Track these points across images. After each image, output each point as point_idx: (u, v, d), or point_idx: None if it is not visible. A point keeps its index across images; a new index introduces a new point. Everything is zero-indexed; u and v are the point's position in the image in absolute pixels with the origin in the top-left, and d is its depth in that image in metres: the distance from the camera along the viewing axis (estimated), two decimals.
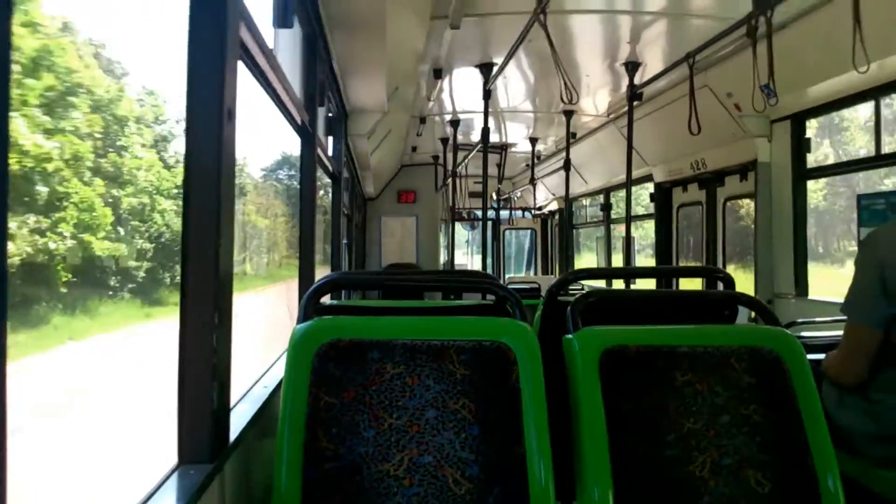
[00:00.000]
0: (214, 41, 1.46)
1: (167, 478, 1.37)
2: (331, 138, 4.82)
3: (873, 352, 2.07)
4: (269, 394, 2.07)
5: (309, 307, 1.84)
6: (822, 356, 2.30)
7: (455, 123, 7.48)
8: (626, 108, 5.51)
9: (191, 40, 1.45)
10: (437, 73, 5.46)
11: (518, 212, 12.56)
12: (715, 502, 1.69)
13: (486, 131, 5.60)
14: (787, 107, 4.63)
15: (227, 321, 1.53)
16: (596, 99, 6.60)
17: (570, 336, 1.85)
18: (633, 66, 5.26)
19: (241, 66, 1.67)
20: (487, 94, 5.37)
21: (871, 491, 2.08)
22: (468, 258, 15.06)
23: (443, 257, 11.18)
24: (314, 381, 1.66)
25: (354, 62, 4.12)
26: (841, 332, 2.22)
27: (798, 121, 4.78)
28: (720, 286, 2.62)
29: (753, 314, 2.12)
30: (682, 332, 1.90)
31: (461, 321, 1.84)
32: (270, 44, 2.26)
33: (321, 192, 4.54)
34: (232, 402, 1.65)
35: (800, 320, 3.31)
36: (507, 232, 13.35)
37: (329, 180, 5.08)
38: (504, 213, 12.10)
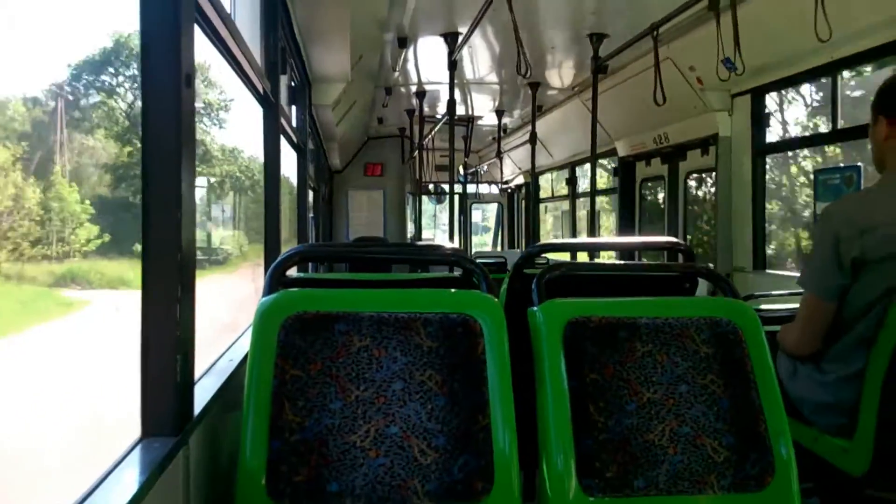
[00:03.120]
0: (168, 3, 1.40)
1: (130, 451, 1.34)
2: (294, 108, 4.72)
3: (828, 322, 2.13)
4: (235, 367, 2.05)
5: (274, 280, 1.83)
6: (777, 328, 2.36)
7: (421, 95, 7.39)
8: (591, 82, 5.51)
9: (143, 2, 1.39)
10: (402, 42, 5.36)
11: (485, 185, 12.55)
12: (673, 470, 1.73)
13: (451, 103, 5.54)
14: (748, 81, 4.68)
15: (190, 293, 1.50)
16: (562, 72, 6.58)
17: (534, 308, 1.87)
18: (597, 38, 5.24)
19: (197, 31, 1.61)
20: (453, 65, 5.30)
21: (820, 458, 2.16)
22: (434, 232, 15.06)
23: (410, 231, 11.16)
24: (280, 354, 1.65)
25: (316, 28, 4.03)
26: (796, 305, 2.28)
27: (758, 95, 4.84)
28: (681, 259, 2.66)
29: (713, 287, 2.16)
30: (644, 303, 1.92)
31: (428, 293, 1.84)
32: (228, 7, 2.18)
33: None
34: (197, 376, 1.62)
35: (757, 293, 3.39)
36: (475, 206, 13.35)
37: (294, 152, 4.99)
38: (471, 187, 12.08)
